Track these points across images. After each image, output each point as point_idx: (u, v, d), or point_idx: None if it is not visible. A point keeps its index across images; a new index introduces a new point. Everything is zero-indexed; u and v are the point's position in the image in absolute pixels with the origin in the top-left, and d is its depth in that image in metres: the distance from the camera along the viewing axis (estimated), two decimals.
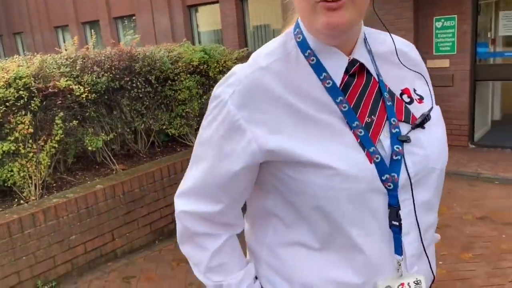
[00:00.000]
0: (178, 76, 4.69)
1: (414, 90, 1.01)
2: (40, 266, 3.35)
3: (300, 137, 0.87)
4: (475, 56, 6.25)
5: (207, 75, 5.11)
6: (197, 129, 5.12)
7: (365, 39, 0.97)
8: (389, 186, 0.88)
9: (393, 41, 1.02)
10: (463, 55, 6.23)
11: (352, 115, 0.89)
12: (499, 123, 7.38)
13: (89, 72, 4.02)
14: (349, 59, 0.92)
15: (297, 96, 0.89)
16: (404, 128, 0.93)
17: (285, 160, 0.88)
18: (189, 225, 1.01)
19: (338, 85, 0.91)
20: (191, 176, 1.01)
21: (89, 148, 4.09)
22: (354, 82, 0.93)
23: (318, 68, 0.91)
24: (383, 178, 0.87)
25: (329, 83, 0.90)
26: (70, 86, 3.78)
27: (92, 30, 12.42)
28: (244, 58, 5.70)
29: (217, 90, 0.93)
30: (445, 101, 6.47)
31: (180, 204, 1.03)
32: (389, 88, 0.97)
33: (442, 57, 6.37)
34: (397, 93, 0.98)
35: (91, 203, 3.64)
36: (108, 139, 4.25)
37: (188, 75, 4.80)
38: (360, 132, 0.88)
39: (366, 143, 0.88)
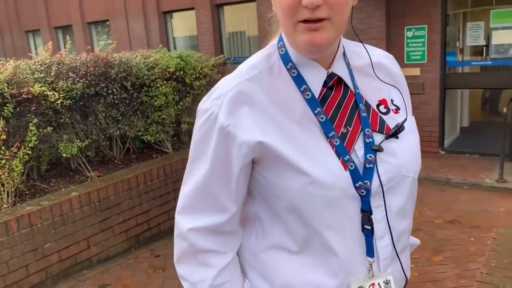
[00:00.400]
0: (154, 83, 4.68)
1: (392, 101, 1.07)
2: (13, 275, 3.29)
3: (283, 142, 0.93)
4: (444, 65, 6.46)
5: (183, 81, 5.11)
6: (173, 136, 5.12)
7: (344, 53, 1.03)
8: (362, 192, 0.93)
9: (369, 55, 1.08)
10: (433, 64, 6.43)
11: (329, 126, 0.95)
12: (467, 129, 7.64)
13: (64, 78, 3.97)
14: (328, 73, 0.98)
15: (279, 106, 0.95)
16: (378, 138, 0.99)
17: (269, 157, 0.94)
18: (198, 242, 1.00)
19: (316, 97, 0.97)
20: (190, 192, 1.01)
21: (64, 155, 4.04)
22: (332, 95, 0.98)
23: (299, 81, 0.97)
24: (357, 185, 0.93)
25: (308, 95, 0.96)
26: (45, 92, 3.73)
27: (65, 35, 12.24)
28: (220, 65, 5.74)
29: (204, 105, 0.97)
30: (416, 109, 6.64)
31: (186, 222, 1.01)
32: (365, 100, 1.02)
33: (413, 66, 6.56)
34: (374, 104, 1.04)
35: (66, 210, 3.59)
36: (83, 145, 4.21)
37: (165, 82, 4.80)
38: (336, 142, 0.94)
39: (341, 151, 0.94)
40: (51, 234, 3.50)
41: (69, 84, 3.95)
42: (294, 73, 0.98)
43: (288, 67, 0.98)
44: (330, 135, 0.95)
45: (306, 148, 0.93)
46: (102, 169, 4.46)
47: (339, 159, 0.93)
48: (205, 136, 0.96)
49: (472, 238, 4.08)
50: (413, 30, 6.46)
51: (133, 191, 4.11)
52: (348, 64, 1.03)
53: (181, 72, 5.03)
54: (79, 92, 4.03)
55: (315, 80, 0.97)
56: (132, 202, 4.11)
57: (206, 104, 0.97)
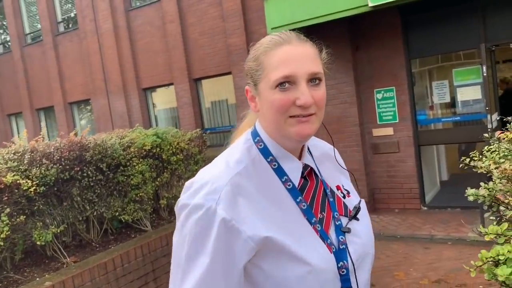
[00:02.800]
0: (130, 162, 4.73)
1: (343, 186, 1.23)
2: None
3: (282, 233, 1.00)
4: (416, 123, 6.66)
5: (160, 158, 5.17)
6: (152, 213, 5.09)
7: (307, 146, 1.17)
8: (343, 272, 1.03)
9: (334, 146, 1.27)
10: (405, 122, 6.63)
11: (310, 213, 1.07)
12: (447, 183, 7.72)
13: (38, 165, 4.00)
14: (302, 164, 1.11)
15: (268, 197, 1.04)
16: (344, 221, 1.12)
17: (271, 250, 0.98)
18: None
19: (297, 186, 1.08)
20: None
21: (38, 242, 3.97)
22: (308, 184, 1.11)
23: (280, 172, 1.08)
24: (339, 265, 1.03)
25: (289, 185, 1.07)
26: (18, 181, 3.73)
27: (47, 116, 12.43)
28: (196, 139, 5.84)
29: (194, 200, 0.98)
30: (393, 167, 6.77)
31: None
32: (330, 187, 1.16)
33: (386, 126, 6.74)
34: (334, 189, 1.18)
35: None
36: (59, 231, 4.15)
37: (141, 160, 4.85)
38: (318, 227, 1.06)
39: (324, 236, 1.05)
40: None
41: (43, 170, 3.96)
42: (275, 165, 1.08)
43: (269, 160, 1.08)
44: (313, 221, 1.05)
45: (299, 236, 1.02)
46: (79, 254, 4.37)
47: (325, 243, 1.04)
48: (203, 232, 0.96)
49: None
50: (382, 92, 6.71)
51: (110, 275, 4.01)
52: (311, 155, 1.17)
53: (158, 149, 5.10)
54: (53, 178, 4.04)
55: (294, 171, 1.09)
56: (109, 287, 3.99)
57: (197, 199, 0.98)
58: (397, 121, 6.67)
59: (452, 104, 6.63)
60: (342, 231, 1.09)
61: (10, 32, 12.64)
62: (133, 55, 10.19)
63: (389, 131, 6.72)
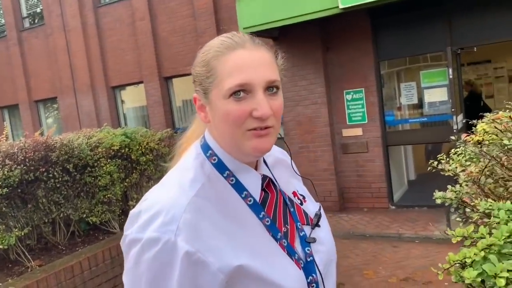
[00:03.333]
0: (98, 162, 4.62)
1: (298, 191, 1.14)
2: None
3: (251, 257, 0.90)
4: (384, 124, 6.78)
5: (129, 158, 5.08)
6: (120, 214, 4.99)
7: None
8: (313, 286, 0.98)
9: (290, 152, 1.19)
10: (373, 123, 6.74)
11: (275, 228, 0.98)
12: (414, 182, 7.90)
13: (0, 166, 3.85)
14: (261, 176, 1.02)
15: (230, 217, 0.93)
16: (307, 230, 1.05)
17: (242, 278, 0.88)
18: None
19: (258, 201, 0.99)
20: None
21: (1, 246, 3.83)
22: (269, 197, 1.03)
23: (239, 188, 0.98)
24: (308, 280, 0.97)
25: (250, 200, 0.98)
26: None
27: (12, 115, 12.03)
28: (167, 139, 5.76)
29: (146, 233, 0.85)
30: (362, 166, 6.87)
31: None
32: (288, 195, 1.09)
33: (355, 126, 6.84)
34: (291, 196, 1.10)
35: None
36: (23, 234, 4.01)
37: (109, 160, 4.74)
38: (284, 243, 0.98)
39: (291, 251, 0.98)
40: None
41: (6, 172, 3.82)
42: (232, 180, 0.98)
43: (225, 175, 0.98)
44: (278, 237, 0.98)
45: (267, 257, 0.93)
46: (45, 257, 4.24)
47: (293, 260, 0.97)
48: (164, 270, 0.84)
49: None
50: (352, 93, 6.81)
51: (77, 279, 3.91)
52: (266, 164, 1.08)
53: (126, 149, 5.00)
54: (17, 179, 3.90)
55: (253, 185, 1.00)
56: None
57: (150, 232, 0.85)
58: (366, 121, 6.78)
59: (420, 105, 6.79)
60: (307, 241, 1.02)
61: None
62: (102, 53, 9.99)
63: (358, 131, 6.82)
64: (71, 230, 4.62)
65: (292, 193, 1.12)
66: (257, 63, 0.93)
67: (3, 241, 3.83)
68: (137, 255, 0.86)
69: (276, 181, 1.06)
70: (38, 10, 11.27)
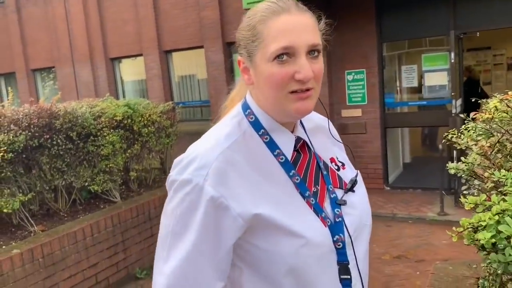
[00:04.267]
0: (101, 132, 4.65)
1: (337, 158, 1.20)
2: None
3: (273, 208, 0.97)
4: (384, 106, 6.84)
5: (131, 129, 5.11)
6: (121, 184, 5.05)
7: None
8: (339, 245, 1.02)
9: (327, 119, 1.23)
10: (373, 105, 6.79)
11: (304, 186, 1.04)
12: (409, 165, 8.02)
13: (6, 131, 3.88)
14: (295, 137, 1.07)
15: (259, 171, 1.00)
16: (339, 193, 1.10)
17: (262, 227, 0.96)
18: None
19: (289, 160, 1.05)
20: (176, 269, 0.95)
21: (5, 210, 3.88)
22: (301, 157, 1.08)
23: (272, 146, 1.04)
24: (334, 239, 1.02)
25: (282, 158, 1.04)
26: None
27: (8, 83, 11.92)
28: (169, 112, 5.79)
29: (182, 175, 0.96)
30: (359, 147, 6.95)
31: None
32: (323, 160, 1.14)
33: (354, 107, 6.89)
34: (327, 161, 1.15)
35: (7, 269, 3.42)
36: (26, 199, 4.06)
37: (112, 130, 4.77)
38: (312, 201, 1.03)
39: (318, 209, 1.03)
40: None
41: (11, 137, 3.85)
42: (266, 138, 1.04)
43: (260, 133, 1.04)
44: (306, 195, 1.03)
45: (292, 210, 0.99)
46: (47, 223, 4.31)
47: (319, 217, 1.02)
48: (191, 208, 0.94)
49: (418, 272, 4.23)
50: (353, 73, 6.84)
51: (80, 245, 3.98)
52: (304, 128, 1.14)
53: (129, 120, 5.03)
54: (22, 145, 3.93)
55: (287, 145, 1.05)
56: (78, 256, 3.97)
57: (185, 175, 0.95)
58: (365, 103, 6.83)
59: (419, 88, 6.84)
60: (337, 203, 1.06)
61: None
62: (101, 23, 9.87)
63: (358, 112, 6.88)
64: (72, 197, 4.67)
65: (330, 159, 1.17)
66: (301, 27, 0.97)
67: (8, 206, 3.88)
68: (173, 193, 0.98)
69: (312, 145, 1.12)
70: None
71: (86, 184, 4.62)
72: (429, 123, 6.90)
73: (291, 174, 1.03)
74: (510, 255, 0.95)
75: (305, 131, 1.14)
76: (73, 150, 4.44)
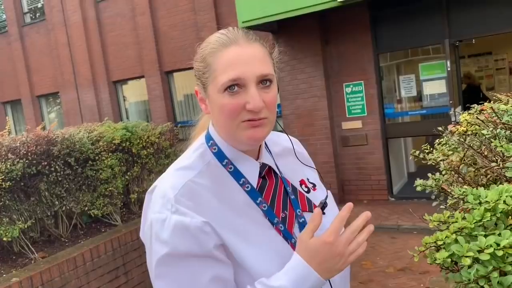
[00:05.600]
0: (99, 156, 4.68)
1: (308, 179, 1.20)
2: None
3: (240, 238, 0.98)
4: (384, 116, 6.82)
5: (130, 152, 5.14)
6: (121, 207, 5.06)
7: (265, 143, 1.15)
8: None
9: (291, 141, 1.23)
10: (373, 116, 6.78)
11: (272, 213, 1.05)
12: (414, 174, 7.93)
13: (3, 160, 3.92)
14: (260, 164, 1.08)
15: (225, 201, 1.01)
16: (308, 217, 1.08)
17: (231, 255, 0.98)
18: None
19: (255, 188, 1.06)
20: None
21: (4, 238, 3.90)
22: (267, 184, 1.09)
23: (237, 175, 1.05)
24: None
25: (248, 187, 1.05)
26: None
27: (14, 110, 12.10)
28: (167, 132, 5.83)
29: (152, 215, 0.99)
30: (361, 159, 6.92)
31: None
32: (291, 183, 1.14)
33: (354, 119, 6.88)
34: (297, 185, 1.15)
35: None
36: (26, 226, 4.09)
37: (110, 154, 4.81)
38: (281, 227, 1.04)
39: (288, 235, 1.04)
40: None
41: (8, 165, 3.89)
42: (231, 168, 1.05)
43: (224, 163, 1.05)
44: (275, 221, 1.04)
45: (259, 239, 1.00)
46: (48, 249, 4.32)
47: (288, 243, 1.02)
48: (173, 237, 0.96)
49: (422, 285, 4.16)
50: (351, 86, 6.84)
51: (80, 270, 3.99)
52: (270, 152, 1.15)
53: (127, 143, 5.06)
54: (20, 173, 3.97)
55: (251, 172, 1.06)
56: (78, 282, 3.97)
57: (153, 213, 0.99)
58: (365, 114, 6.81)
59: (419, 98, 6.81)
60: None
61: None
62: (103, 48, 10.03)
63: (358, 124, 6.86)
64: (73, 222, 4.69)
65: (300, 181, 1.17)
66: (249, 58, 0.98)
67: (7, 234, 3.90)
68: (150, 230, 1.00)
69: (279, 169, 1.12)
70: (39, 5, 11.31)
71: (86, 208, 4.64)
72: (430, 132, 6.82)
73: (258, 201, 1.04)
74: (466, 276, 0.94)
75: (272, 156, 1.14)
76: (71, 176, 4.47)
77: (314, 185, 1.19)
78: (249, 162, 1.07)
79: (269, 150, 1.15)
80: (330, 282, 1.06)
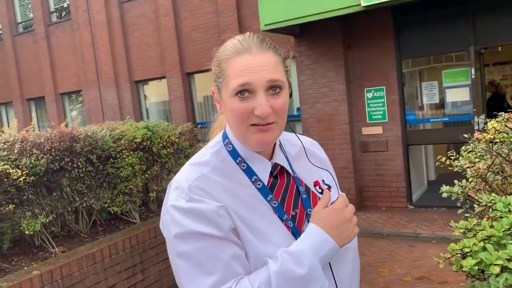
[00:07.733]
0: (121, 154, 4.74)
1: (323, 181, 1.24)
2: None
3: (250, 230, 1.04)
4: (405, 123, 6.74)
5: (150, 151, 5.19)
6: (140, 205, 5.11)
7: (280, 144, 1.20)
8: None
9: (301, 143, 1.26)
10: (394, 122, 6.71)
11: (281, 210, 1.10)
12: (434, 182, 7.83)
13: (28, 155, 4.01)
14: (272, 163, 1.14)
15: (235, 196, 1.07)
16: None
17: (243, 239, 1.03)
18: None
19: (266, 185, 1.11)
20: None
21: (27, 232, 3.98)
22: (278, 182, 1.14)
23: (249, 173, 1.11)
24: None
25: (259, 184, 1.11)
26: (7, 170, 3.74)
27: (38, 107, 12.35)
28: (187, 133, 5.87)
29: (168, 202, 1.06)
30: (381, 165, 6.85)
31: None
32: (305, 183, 1.18)
33: (375, 125, 6.82)
34: (311, 185, 1.20)
35: None
36: (47, 221, 4.16)
37: (131, 152, 4.86)
38: (290, 224, 1.09)
39: (296, 232, 1.08)
40: None
41: (33, 160, 3.97)
42: (243, 166, 1.11)
43: (238, 161, 1.12)
44: (284, 218, 1.09)
45: (268, 234, 1.05)
46: (68, 244, 4.39)
47: (296, 240, 1.06)
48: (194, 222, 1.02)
49: None
50: (373, 91, 6.79)
51: (98, 266, 4.04)
52: (285, 153, 1.20)
53: (148, 142, 5.11)
54: (43, 168, 4.05)
55: (263, 171, 1.12)
56: (97, 277, 4.02)
57: (172, 201, 1.05)
58: (386, 120, 6.75)
59: (441, 105, 6.72)
60: None
61: (2, 20, 12.54)
62: (126, 48, 10.18)
63: (379, 130, 6.80)
64: (93, 219, 4.76)
65: (315, 182, 1.22)
66: (260, 66, 1.03)
67: (29, 227, 3.98)
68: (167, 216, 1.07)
69: (292, 169, 1.17)
70: (65, 5, 11.54)
71: (106, 205, 4.70)
72: (452, 140, 6.72)
73: (268, 198, 1.09)
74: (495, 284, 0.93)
75: (286, 156, 1.19)
76: (93, 173, 4.54)
77: (329, 187, 1.24)
78: (261, 161, 1.13)
79: (284, 151, 1.20)
80: (336, 283, 1.10)
